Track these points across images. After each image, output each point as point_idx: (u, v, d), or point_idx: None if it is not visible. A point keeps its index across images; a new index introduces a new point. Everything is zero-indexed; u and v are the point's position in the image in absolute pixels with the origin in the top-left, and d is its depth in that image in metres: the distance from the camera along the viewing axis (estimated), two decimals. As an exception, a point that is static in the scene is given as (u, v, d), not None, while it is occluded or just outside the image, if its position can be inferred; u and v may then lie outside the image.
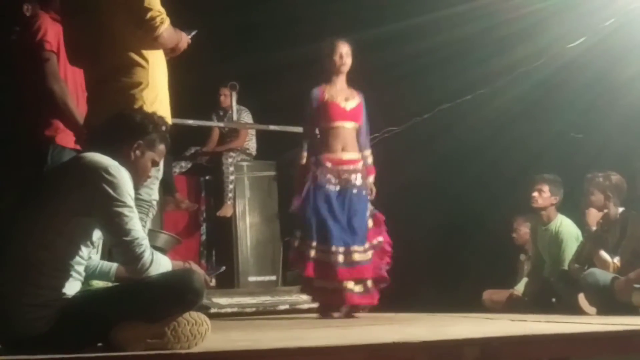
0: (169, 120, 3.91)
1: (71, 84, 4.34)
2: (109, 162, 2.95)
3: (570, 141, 6.82)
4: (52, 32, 4.31)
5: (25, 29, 4.46)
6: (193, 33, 4.22)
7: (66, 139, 4.33)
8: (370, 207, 5.55)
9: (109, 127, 3.22)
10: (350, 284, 5.31)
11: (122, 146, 3.09)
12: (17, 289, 2.83)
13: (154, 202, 4.04)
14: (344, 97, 5.54)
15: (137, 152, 3.11)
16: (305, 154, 5.50)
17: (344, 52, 5.52)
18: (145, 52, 3.91)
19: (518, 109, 7.01)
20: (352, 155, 5.53)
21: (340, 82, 5.57)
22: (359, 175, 5.50)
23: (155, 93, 3.90)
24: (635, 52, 6.37)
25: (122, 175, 2.94)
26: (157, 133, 3.18)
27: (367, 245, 5.41)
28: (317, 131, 5.55)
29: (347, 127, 5.53)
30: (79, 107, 4.29)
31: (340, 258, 5.30)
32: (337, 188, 5.43)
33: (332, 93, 5.52)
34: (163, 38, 3.93)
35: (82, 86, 4.25)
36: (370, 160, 5.63)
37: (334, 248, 5.30)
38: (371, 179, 5.61)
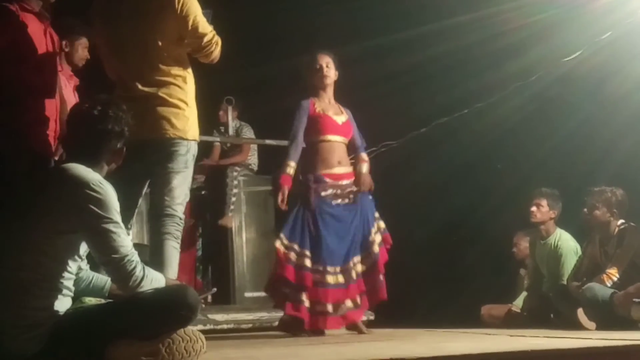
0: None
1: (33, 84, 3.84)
2: (91, 177, 2.88)
3: (567, 154, 6.80)
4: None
5: None
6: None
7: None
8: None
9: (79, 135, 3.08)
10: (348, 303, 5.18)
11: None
12: (6, 311, 2.77)
13: None
14: (334, 111, 5.45)
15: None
16: (292, 163, 5.27)
17: (324, 64, 5.43)
18: (185, 73, 4.08)
19: (516, 122, 6.99)
20: (346, 169, 5.42)
21: (328, 96, 5.48)
22: (354, 189, 5.38)
23: (195, 112, 4.10)
24: (632, 66, 6.37)
25: (107, 191, 2.87)
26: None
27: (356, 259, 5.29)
28: (303, 144, 5.36)
29: (340, 141, 5.42)
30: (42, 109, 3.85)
31: (334, 279, 5.16)
32: (339, 201, 5.30)
33: (323, 106, 5.42)
34: (218, 56, 4.22)
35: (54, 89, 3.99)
36: (365, 156, 5.52)
37: (330, 268, 5.16)
38: (365, 167, 5.45)
